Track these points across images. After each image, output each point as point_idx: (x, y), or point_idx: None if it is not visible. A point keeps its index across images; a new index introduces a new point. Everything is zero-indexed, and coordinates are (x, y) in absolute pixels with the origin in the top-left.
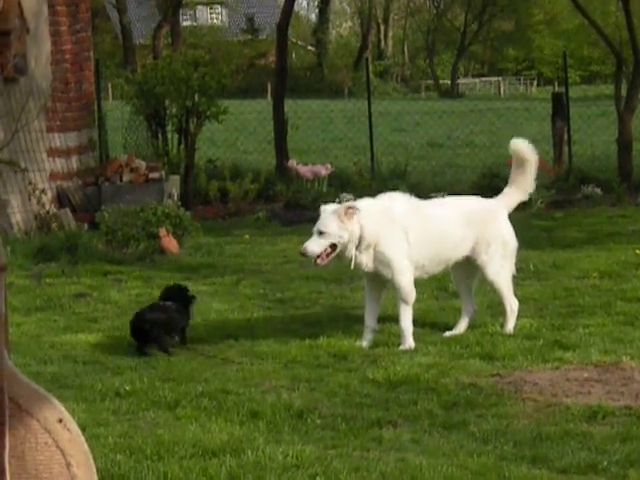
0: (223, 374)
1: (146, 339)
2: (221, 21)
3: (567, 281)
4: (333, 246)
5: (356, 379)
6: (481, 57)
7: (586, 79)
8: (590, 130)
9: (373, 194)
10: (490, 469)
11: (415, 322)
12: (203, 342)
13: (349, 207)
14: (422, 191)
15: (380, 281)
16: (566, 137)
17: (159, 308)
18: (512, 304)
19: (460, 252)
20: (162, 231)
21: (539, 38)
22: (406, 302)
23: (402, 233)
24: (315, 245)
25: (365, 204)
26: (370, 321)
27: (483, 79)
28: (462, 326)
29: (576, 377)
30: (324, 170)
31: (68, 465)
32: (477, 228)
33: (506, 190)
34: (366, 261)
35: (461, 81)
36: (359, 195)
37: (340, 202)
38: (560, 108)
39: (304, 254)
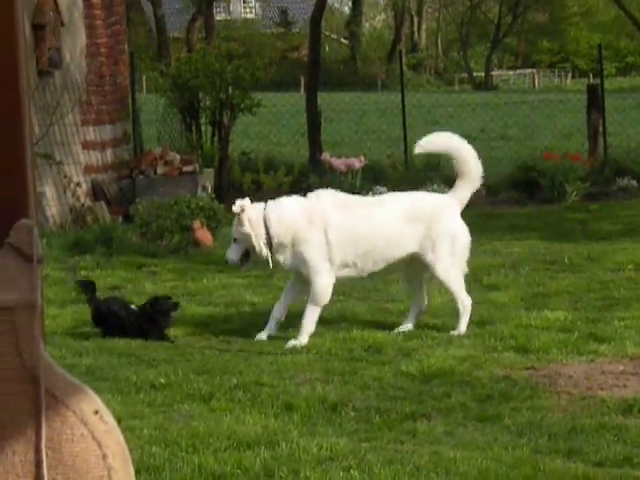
0: (257, 366)
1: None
2: (254, 14)
3: (602, 274)
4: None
5: (390, 372)
6: (515, 49)
7: (622, 71)
8: (625, 122)
9: (407, 186)
10: (525, 462)
11: (449, 315)
12: (237, 334)
13: (239, 206)
14: None
15: (304, 280)
16: (601, 129)
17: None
18: (464, 302)
19: (403, 250)
20: (196, 224)
21: (574, 30)
22: (316, 303)
23: (321, 233)
24: (232, 253)
25: (278, 203)
26: (278, 312)
27: (517, 71)
28: (409, 323)
29: (611, 370)
30: (357, 163)
31: (104, 457)
32: (421, 225)
33: (456, 184)
34: (284, 259)
35: (495, 73)
36: (393, 188)
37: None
38: (595, 100)
39: (226, 262)
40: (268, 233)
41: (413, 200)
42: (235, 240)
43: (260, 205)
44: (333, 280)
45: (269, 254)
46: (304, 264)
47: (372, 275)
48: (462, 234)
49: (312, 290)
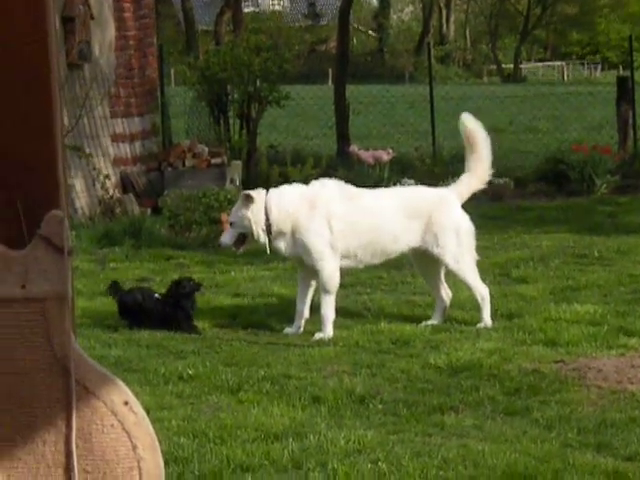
0: (285, 358)
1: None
2: (282, 6)
3: (632, 267)
4: (243, 234)
5: (418, 365)
6: (544, 41)
7: None
8: None
9: (435, 179)
10: (554, 456)
11: (476, 308)
12: (265, 326)
13: (246, 195)
14: None
15: (308, 267)
16: (631, 121)
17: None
18: (481, 292)
19: (403, 244)
20: (224, 216)
21: (604, 22)
22: (327, 290)
23: (323, 220)
24: (226, 236)
25: (279, 191)
26: (300, 306)
27: (546, 63)
28: (436, 319)
29: None
30: (385, 155)
31: (134, 447)
32: (422, 219)
33: (461, 178)
34: (284, 247)
35: (524, 66)
36: (420, 180)
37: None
38: (625, 92)
39: (219, 245)
40: (268, 220)
41: (412, 194)
42: (231, 224)
43: (262, 192)
44: (338, 264)
45: (267, 240)
46: (306, 252)
47: (368, 267)
48: (464, 223)
49: (320, 279)
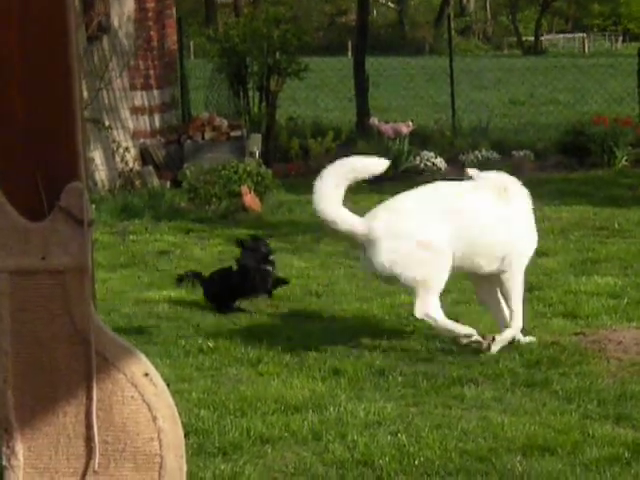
0: (305, 331)
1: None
2: None
3: None
4: None
5: (437, 337)
6: (565, 13)
7: None
8: None
9: (455, 152)
10: (574, 427)
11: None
12: (285, 300)
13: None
14: (504, 149)
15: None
16: None
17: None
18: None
19: None
20: (244, 189)
21: None
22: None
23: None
24: None
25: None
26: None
27: (567, 35)
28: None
29: None
30: (405, 128)
31: (154, 419)
32: None
33: None
34: None
35: (544, 38)
36: (440, 153)
37: (421, 160)
38: None
39: None
40: None
41: None
42: None
43: None
44: None
45: None
46: None
47: None
48: None
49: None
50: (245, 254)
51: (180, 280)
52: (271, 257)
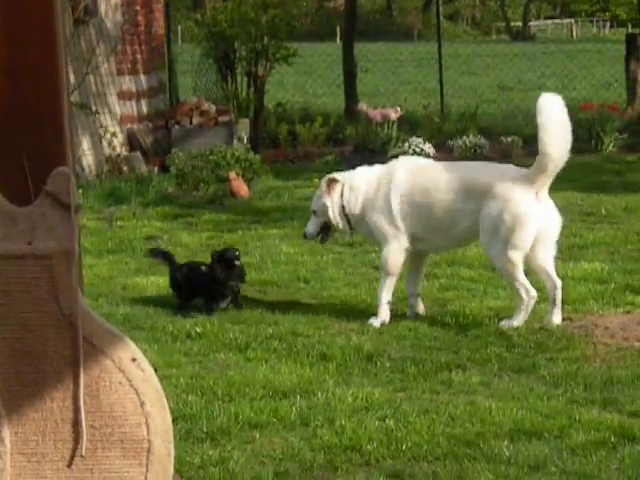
0: (293, 316)
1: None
2: None
3: (639, 225)
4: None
5: (425, 323)
6: None
7: None
8: None
9: (443, 137)
10: (560, 412)
11: (485, 266)
12: (273, 285)
13: (330, 180)
14: (492, 135)
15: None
16: None
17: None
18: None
19: None
20: (232, 174)
21: None
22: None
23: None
24: (310, 226)
25: (352, 173)
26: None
27: (555, 21)
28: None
29: None
30: (394, 113)
31: (142, 404)
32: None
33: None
34: (364, 232)
35: (533, 23)
36: (429, 138)
37: (409, 146)
38: (634, 50)
39: (304, 236)
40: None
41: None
42: (314, 212)
43: (342, 175)
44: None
45: (346, 226)
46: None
47: None
48: None
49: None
50: (216, 263)
51: (152, 252)
52: (241, 271)
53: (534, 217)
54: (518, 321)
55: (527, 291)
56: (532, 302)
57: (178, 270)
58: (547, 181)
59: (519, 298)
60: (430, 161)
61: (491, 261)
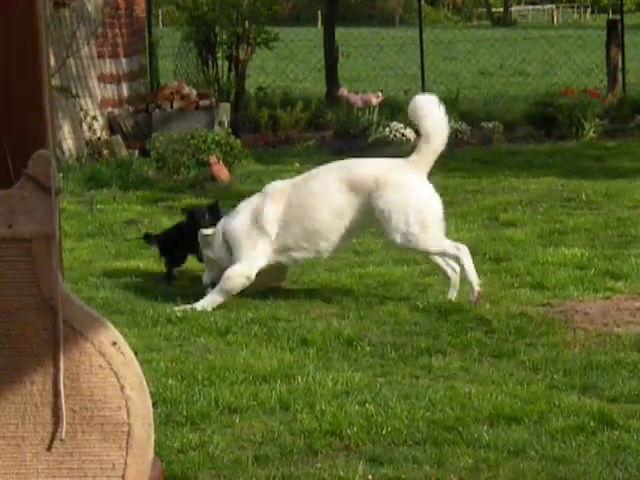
0: (273, 301)
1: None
2: None
3: (619, 211)
4: None
5: (406, 308)
6: None
7: None
8: None
9: None
10: (540, 397)
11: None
12: None
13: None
14: (473, 120)
15: None
16: (620, 65)
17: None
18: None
19: None
20: (212, 158)
21: None
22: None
23: None
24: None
25: None
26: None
27: (536, 7)
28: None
29: (627, 307)
30: (375, 98)
31: (122, 388)
32: None
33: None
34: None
35: (514, 9)
36: (409, 124)
37: (390, 131)
38: (615, 36)
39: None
40: None
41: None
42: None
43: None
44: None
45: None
46: None
47: None
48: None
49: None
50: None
51: (147, 237)
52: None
53: (434, 194)
54: (475, 280)
55: (458, 249)
56: (467, 251)
57: (165, 235)
58: (429, 166)
59: (458, 260)
60: (286, 180)
61: (414, 248)
